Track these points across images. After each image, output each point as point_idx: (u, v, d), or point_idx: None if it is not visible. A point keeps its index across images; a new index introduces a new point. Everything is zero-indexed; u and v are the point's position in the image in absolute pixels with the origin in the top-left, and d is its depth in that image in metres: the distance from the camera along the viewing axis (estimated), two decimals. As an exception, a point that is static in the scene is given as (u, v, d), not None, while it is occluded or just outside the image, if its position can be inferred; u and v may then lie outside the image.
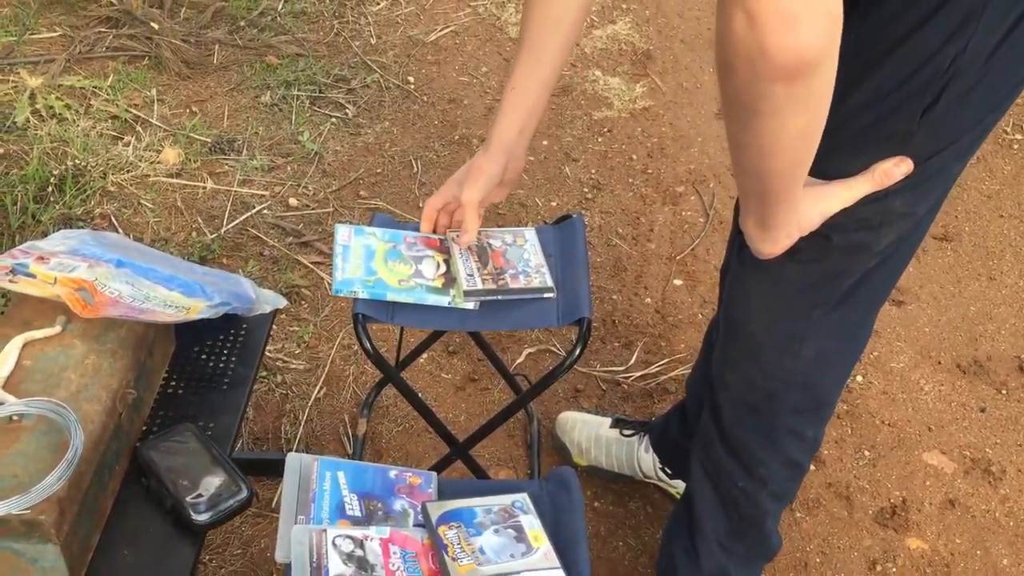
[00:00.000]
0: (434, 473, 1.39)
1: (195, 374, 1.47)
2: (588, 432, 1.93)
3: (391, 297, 1.47)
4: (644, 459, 1.88)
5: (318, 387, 2.09)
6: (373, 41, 3.25)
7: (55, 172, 2.46)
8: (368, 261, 1.50)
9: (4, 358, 1.24)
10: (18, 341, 1.26)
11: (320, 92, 2.97)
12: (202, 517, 1.24)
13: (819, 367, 1.35)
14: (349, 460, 1.37)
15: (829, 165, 1.07)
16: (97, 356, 1.27)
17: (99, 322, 1.30)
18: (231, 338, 1.52)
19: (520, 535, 1.29)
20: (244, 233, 2.46)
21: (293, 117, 2.86)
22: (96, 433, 1.19)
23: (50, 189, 2.42)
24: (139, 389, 1.34)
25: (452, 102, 3.01)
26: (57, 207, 2.39)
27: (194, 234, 2.44)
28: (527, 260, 1.57)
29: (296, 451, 1.97)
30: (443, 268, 1.53)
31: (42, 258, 1.34)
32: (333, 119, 2.88)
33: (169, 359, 1.48)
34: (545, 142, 2.86)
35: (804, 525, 1.93)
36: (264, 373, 2.11)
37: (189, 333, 1.48)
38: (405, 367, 2.02)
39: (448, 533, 1.27)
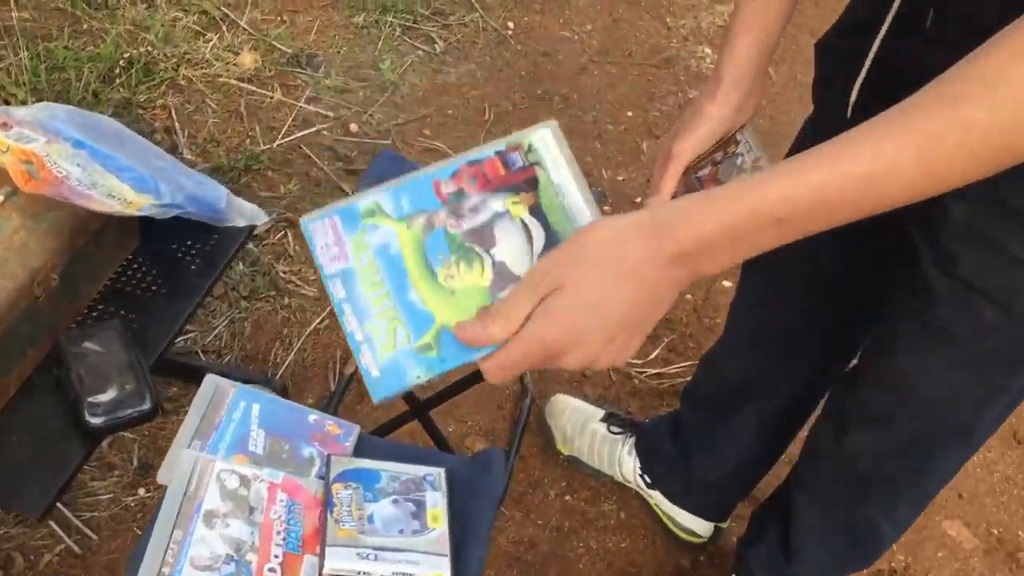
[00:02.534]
0: (357, 427, 1.30)
1: (148, 275, 1.41)
2: (576, 420, 1.81)
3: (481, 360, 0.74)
4: (625, 461, 1.74)
5: (320, 318, 2.03)
6: (485, -20, 3.13)
7: (126, 55, 2.45)
8: (400, 291, 0.75)
9: (-66, 217, 1.20)
10: (-47, 203, 1.22)
11: (414, 22, 2.88)
12: (96, 420, 1.19)
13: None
14: (272, 395, 1.28)
15: None
16: (27, 233, 1.22)
17: (43, 200, 1.25)
18: (197, 246, 1.46)
19: (419, 511, 1.19)
20: (296, 151, 2.41)
21: (380, 43, 2.78)
22: (-1, 310, 1.15)
23: (117, 71, 2.42)
24: (75, 277, 1.29)
25: (546, 55, 2.88)
26: (121, 91, 2.39)
27: (248, 141, 2.40)
28: (740, 166, 1.14)
29: (280, 378, 1.93)
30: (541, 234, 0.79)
31: (6, 124, 1.29)
32: (419, 52, 2.79)
33: (127, 254, 1.42)
34: (630, 113, 2.70)
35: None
36: (273, 293, 2.06)
37: (157, 232, 1.42)
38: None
39: (342, 492, 1.18)
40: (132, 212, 1.25)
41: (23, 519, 1.64)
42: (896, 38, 1.00)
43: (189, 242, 1.46)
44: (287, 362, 1.95)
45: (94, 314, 1.34)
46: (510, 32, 2.94)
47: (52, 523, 1.63)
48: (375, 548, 1.12)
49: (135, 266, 1.42)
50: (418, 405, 1.58)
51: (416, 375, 0.73)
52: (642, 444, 1.73)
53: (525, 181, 0.80)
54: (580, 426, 1.80)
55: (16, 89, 2.26)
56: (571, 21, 3.03)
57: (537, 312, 0.70)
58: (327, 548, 1.11)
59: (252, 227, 1.50)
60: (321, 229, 0.77)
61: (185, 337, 1.95)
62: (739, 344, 1.51)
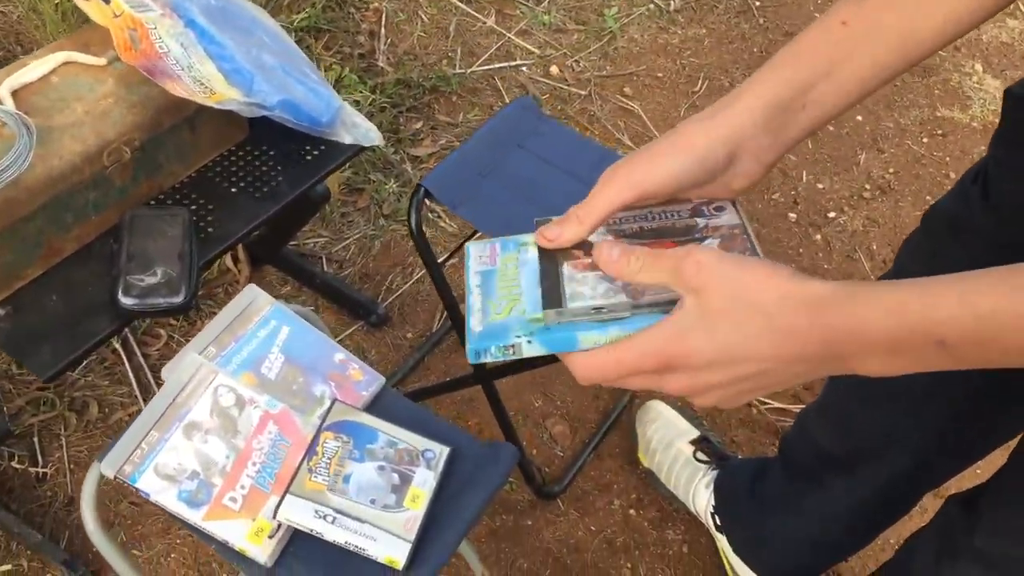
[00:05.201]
0: (382, 378, 1.22)
1: (241, 170, 1.39)
2: (665, 434, 1.64)
3: (587, 340, 0.68)
4: (701, 493, 1.57)
5: (448, 254, 1.96)
6: (751, -57, 2.89)
7: (354, -49, 2.45)
8: (531, 291, 0.73)
9: (37, 67, 1.22)
10: (59, 56, 1.24)
11: (658, -26, 2.71)
12: (127, 300, 1.18)
13: None
14: (308, 323, 1.23)
15: None
16: (114, 101, 1.22)
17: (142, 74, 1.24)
18: (301, 152, 1.42)
19: (401, 485, 1.10)
20: (488, 81, 2.33)
21: (614, -11, 2.63)
22: (58, 170, 1.15)
23: (341, -34, 2.42)
24: (157, 156, 1.28)
25: (788, 35, 2.62)
26: (339, -15, 2.40)
27: (444, 62, 2.35)
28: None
29: (389, 304, 1.89)
30: None
31: (132, -10, 1.29)
32: (651, 5, 2.62)
33: (230, 146, 1.40)
34: (859, 117, 2.41)
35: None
36: (414, 218, 2.01)
37: (269, 131, 1.38)
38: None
39: (329, 442, 1.11)
40: (212, 103, 1.21)
41: (113, 372, 1.71)
42: None
43: (294, 146, 1.42)
44: (401, 291, 1.90)
45: (176, 196, 1.34)
46: (757, 3, 2.70)
47: (135, 384, 1.69)
48: (336, 511, 1.05)
49: (233, 159, 1.39)
50: (482, 371, 1.48)
51: (516, 334, 0.69)
52: (721, 482, 1.54)
53: None
54: (667, 442, 1.63)
55: (242, -35, 2.31)
56: (828, 4, 2.74)
57: (666, 326, 0.63)
58: (287, 495, 1.05)
59: (359, 147, 1.43)
60: (480, 248, 0.79)
61: (314, 240, 1.95)
62: (834, 404, 1.29)
